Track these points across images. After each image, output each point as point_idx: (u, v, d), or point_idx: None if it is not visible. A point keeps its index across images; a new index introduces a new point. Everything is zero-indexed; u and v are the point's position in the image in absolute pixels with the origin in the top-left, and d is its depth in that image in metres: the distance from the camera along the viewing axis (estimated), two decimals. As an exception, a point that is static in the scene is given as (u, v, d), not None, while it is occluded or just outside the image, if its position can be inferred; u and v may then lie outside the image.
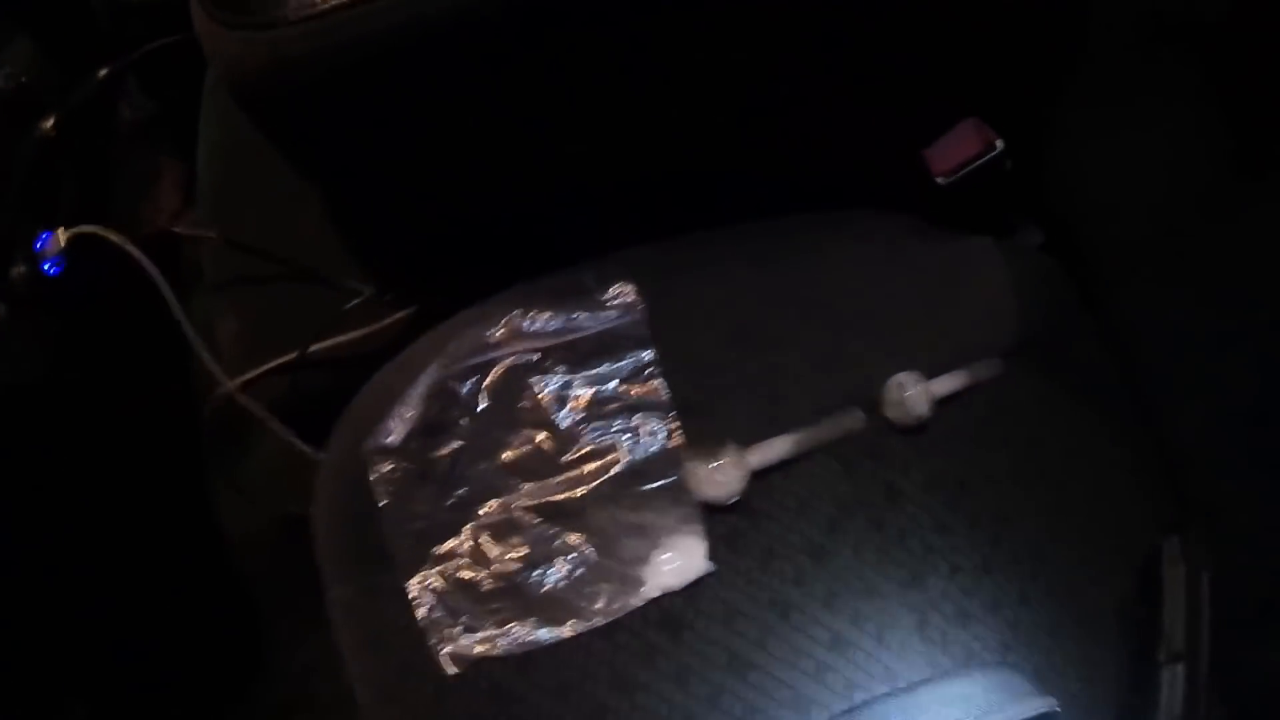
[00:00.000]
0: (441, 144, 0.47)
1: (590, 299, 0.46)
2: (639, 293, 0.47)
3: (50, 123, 0.70)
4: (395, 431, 0.44)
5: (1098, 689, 0.47)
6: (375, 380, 0.48)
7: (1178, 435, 0.56)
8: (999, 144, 0.51)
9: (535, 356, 0.46)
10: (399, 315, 0.55)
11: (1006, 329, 0.52)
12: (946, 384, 0.48)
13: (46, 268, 0.62)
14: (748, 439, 0.45)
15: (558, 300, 0.46)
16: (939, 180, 0.51)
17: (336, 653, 0.47)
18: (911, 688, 0.43)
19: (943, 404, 0.48)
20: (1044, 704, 0.42)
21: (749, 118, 0.50)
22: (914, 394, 0.47)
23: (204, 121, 0.66)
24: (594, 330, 0.46)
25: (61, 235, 0.60)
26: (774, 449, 0.45)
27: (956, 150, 0.51)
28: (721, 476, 0.44)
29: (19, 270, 0.63)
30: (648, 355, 0.46)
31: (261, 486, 0.60)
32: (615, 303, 0.46)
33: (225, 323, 0.57)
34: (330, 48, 0.39)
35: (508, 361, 0.46)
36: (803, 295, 0.49)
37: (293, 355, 0.53)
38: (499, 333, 0.46)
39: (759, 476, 0.45)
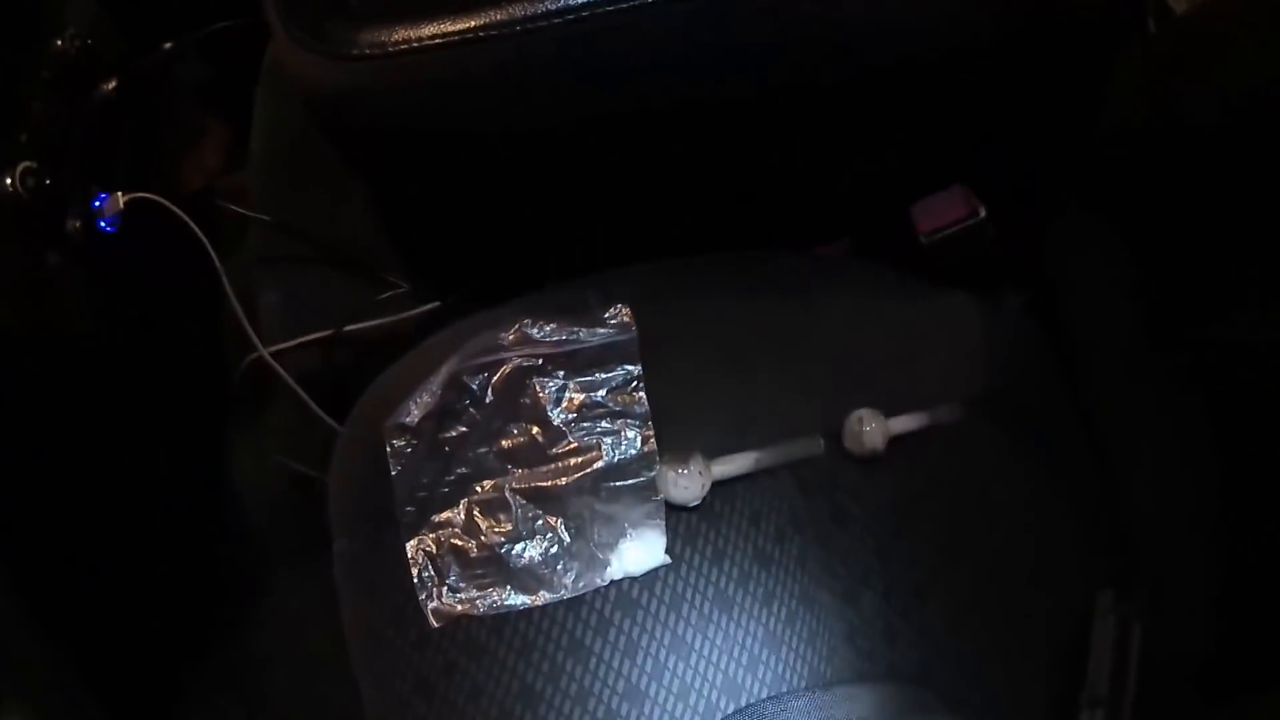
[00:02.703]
0: (482, 170, 0.59)
1: (592, 315, 0.58)
2: (634, 315, 0.58)
3: (112, 85, 0.85)
4: (413, 413, 0.56)
5: (1017, 721, 0.58)
6: (398, 365, 0.60)
7: (1132, 502, 0.68)
8: (982, 212, 0.63)
9: (538, 361, 0.58)
10: (425, 308, 0.67)
11: (971, 379, 0.61)
12: (905, 423, 0.58)
13: (103, 225, 0.75)
14: (715, 451, 0.56)
15: (563, 313, 0.58)
16: (922, 240, 0.63)
17: (326, 605, 0.58)
18: (828, 685, 0.56)
19: (900, 440, 0.58)
20: None
21: (755, 164, 0.63)
22: (872, 429, 0.57)
23: (259, 101, 0.77)
24: (592, 344, 0.58)
25: (120, 198, 0.71)
26: (737, 463, 0.56)
27: (941, 215, 0.62)
28: (687, 482, 0.55)
29: (75, 225, 0.75)
30: (635, 371, 0.57)
31: (277, 445, 0.74)
32: (613, 322, 0.58)
33: (266, 294, 0.69)
34: (395, 85, 0.51)
35: (515, 363, 0.58)
36: (782, 328, 0.61)
37: (327, 333, 0.65)
38: (510, 337, 0.57)
39: (721, 485, 0.56)
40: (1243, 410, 0.58)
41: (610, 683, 0.53)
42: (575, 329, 0.58)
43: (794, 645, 0.55)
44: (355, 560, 0.58)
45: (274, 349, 0.65)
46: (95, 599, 0.75)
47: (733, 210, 0.65)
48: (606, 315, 0.58)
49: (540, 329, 0.58)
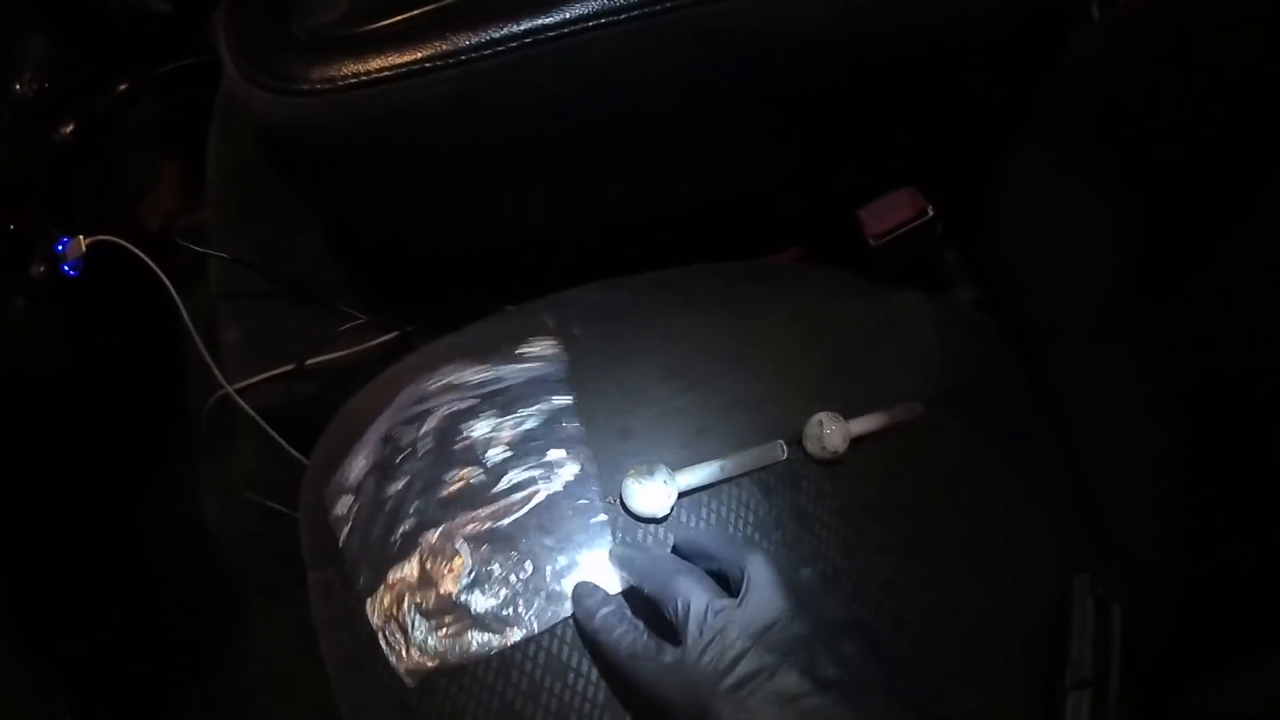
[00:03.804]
0: (434, 199, 0.60)
1: (514, 352, 0.58)
2: (553, 345, 0.59)
3: (70, 127, 0.85)
4: (350, 476, 0.56)
5: (1001, 710, 0.57)
6: (359, 396, 0.61)
7: (1097, 482, 0.69)
8: (930, 211, 0.64)
9: (468, 404, 0.58)
10: (383, 339, 0.68)
11: (929, 377, 0.62)
12: (864, 424, 0.59)
13: (66, 269, 0.75)
14: (679, 463, 0.57)
15: (489, 354, 0.58)
16: (871, 242, 0.65)
17: (305, 634, 0.58)
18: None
19: (861, 441, 0.59)
20: None
21: (700, 177, 0.64)
22: (832, 431, 0.58)
23: (213, 139, 0.77)
24: (518, 380, 0.58)
25: (83, 241, 0.71)
26: (701, 473, 0.56)
27: (890, 215, 0.63)
28: (654, 495, 0.56)
29: (39, 269, 0.75)
30: (564, 400, 0.58)
31: (247, 481, 0.74)
32: (538, 356, 0.58)
33: (228, 331, 0.69)
34: (345, 118, 0.52)
35: (445, 410, 0.57)
36: (738, 337, 0.61)
37: (290, 367, 0.66)
38: (435, 386, 0.58)
39: (687, 496, 0.57)
40: (1213, 388, 0.59)
41: (590, 695, 0.53)
42: (498, 368, 0.58)
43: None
44: (330, 590, 0.58)
45: (238, 386, 0.66)
46: (74, 635, 0.75)
47: (685, 224, 0.66)
48: (530, 351, 0.59)
49: (463, 374, 0.58)
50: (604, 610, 0.52)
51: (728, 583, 0.51)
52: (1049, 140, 0.64)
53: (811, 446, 0.58)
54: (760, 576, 0.48)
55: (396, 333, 0.67)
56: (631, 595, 0.53)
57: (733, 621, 0.46)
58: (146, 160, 0.92)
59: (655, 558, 0.53)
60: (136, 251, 0.69)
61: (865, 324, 0.64)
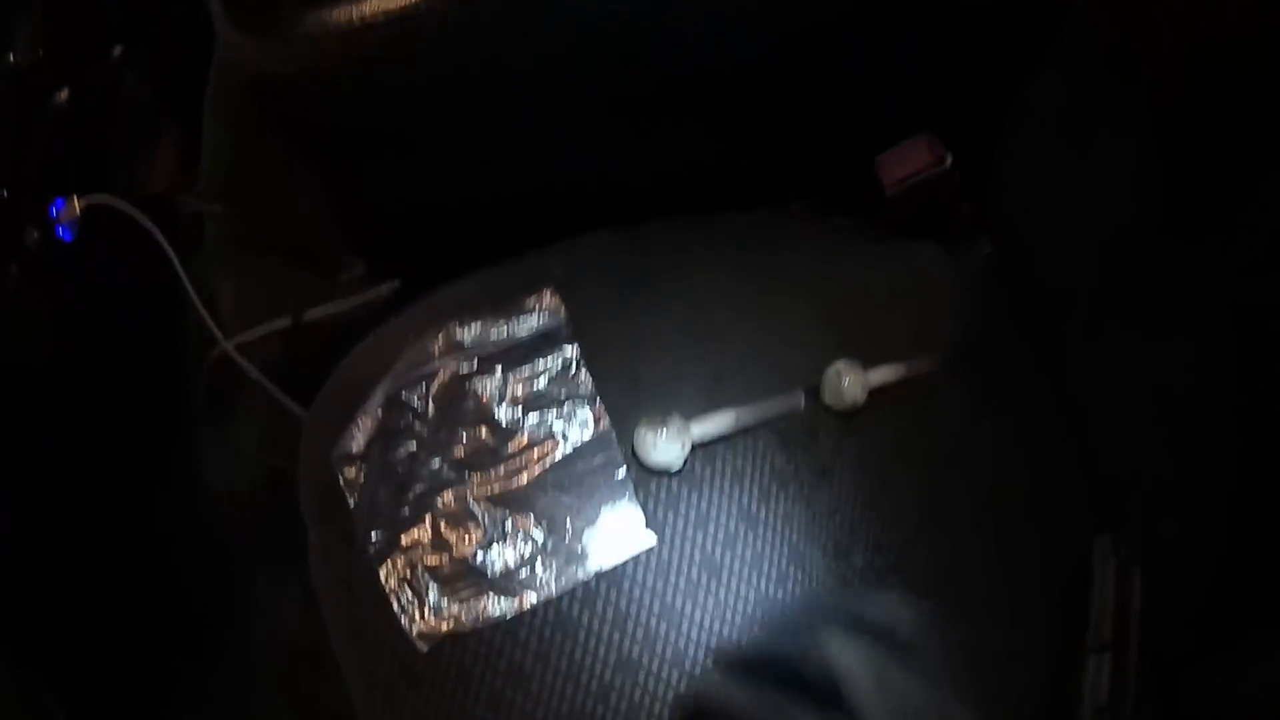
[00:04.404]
0: (430, 146, 0.58)
1: (519, 304, 0.56)
2: (556, 296, 0.56)
3: (65, 94, 0.84)
4: (357, 438, 0.54)
5: (1020, 670, 0.55)
6: (359, 349, 0.59)
7: (1106, 448, 0.67)
8: (948, 160, 0.62)
9: (473, 363, 0.55)
10: (383, 289, 0.66)
11: (947, 329, 0.60)
12: (883, 374, 0.57)
13: (61, 232, 0.75)
14: (693, 412, 0.55)
15: (493, 306, 0.56)
16: (888, 189, 0.62)
17: (308, 601, 0.57)
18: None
19: (880, 393, 0.57)
20: None
21: (715, 123, 0.62)
22: (851, 381, 0.55)
23: (209, 98, 0.77)
24: (525, 334, 0.56)
25: (77, 203, 0.70)
26: (716, 423, 0.54)
27: (906, 163, 0.61)
28: (667, 444, 0.53)
29: (34, 236, 0.76)
30: (572, 352, 0.55)
31: (249, 442, 0.72)
32: (539, 309, 0.56)
33: (225, 289, 0.67)
34: (338, 63, 0.51)
35: (449, 370, 0.55)
36: (752, 284, 0.59)
37: (287, 321, 0.64)
38: (438, 346, 0.55)
39: (702, 448, 0.54)
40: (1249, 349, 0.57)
41: (601, 655, 0.51)
42: (502, 324, 0.56)
43: (787, 604, 0.53)
44: (330, 550, 0.56)
45: (236, 340, 0.64)
46: (75, 606, 0.73)
47: (698, 173, 0.64)
48: (530, 304, 0.56)
49: (467, 332, 0.56)
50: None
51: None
52: (1060, 82, 0.62)
53: (830, 397, 0.56)
54: (856, 680, 0.41)
55: (395, 282, 0.64)
56: None
57: None
58: (143, 126, 0.90)
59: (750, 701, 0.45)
60: (133, 211, 0.67)
61: (882, 276, 0.62)
